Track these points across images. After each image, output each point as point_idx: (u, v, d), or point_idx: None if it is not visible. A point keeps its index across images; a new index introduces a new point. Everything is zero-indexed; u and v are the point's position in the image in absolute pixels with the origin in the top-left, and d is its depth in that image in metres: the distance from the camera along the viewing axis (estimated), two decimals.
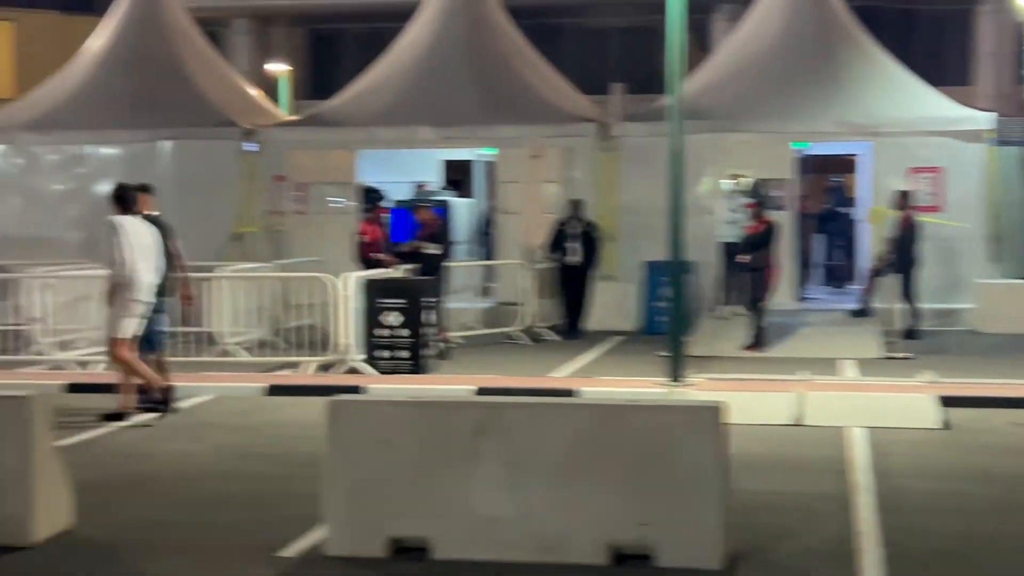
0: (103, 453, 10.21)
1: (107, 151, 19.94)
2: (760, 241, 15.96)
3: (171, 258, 11.93)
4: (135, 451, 10.31)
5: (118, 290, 11.22)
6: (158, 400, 11.78)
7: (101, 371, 14.25)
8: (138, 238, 11.27)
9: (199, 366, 14.33)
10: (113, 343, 11.47)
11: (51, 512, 7.45)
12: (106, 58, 21.19)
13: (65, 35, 38.38)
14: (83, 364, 14.70)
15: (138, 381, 11.65)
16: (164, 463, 9.81)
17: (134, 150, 19.75)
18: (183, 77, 20.74)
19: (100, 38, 21.67)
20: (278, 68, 30.90)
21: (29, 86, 24.54)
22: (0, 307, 16.12)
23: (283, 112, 23.92)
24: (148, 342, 11.81)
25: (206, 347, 15.25)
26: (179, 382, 13.38)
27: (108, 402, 12.01)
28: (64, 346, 15.11)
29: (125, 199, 11.41)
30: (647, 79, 25.39)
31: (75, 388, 13.32)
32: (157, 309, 11.75)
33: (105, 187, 19.57)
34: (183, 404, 12.55)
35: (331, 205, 19.39)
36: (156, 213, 12.09)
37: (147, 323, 11.62)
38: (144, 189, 12.11)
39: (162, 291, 11.74)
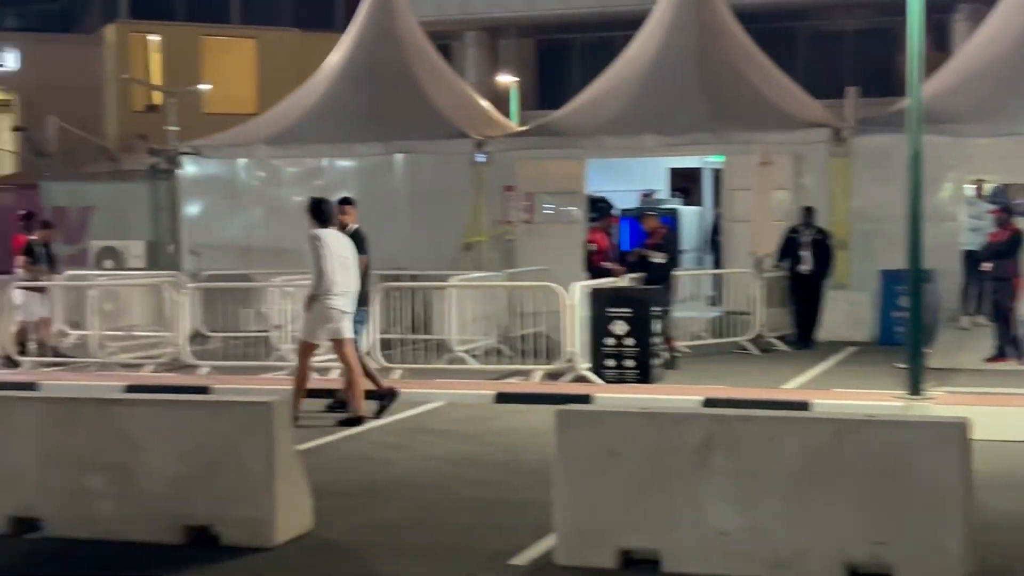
0: (341, 458, 10.52)
1: (343, 163, 20.58)
2: (1005, 249, 15.29)
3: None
4: (371, 456, 10.58)
5: (316, 299, 11.63)
6: (340, 402, 12.33)
7: (336, 377, 14.67)
8: (337, 251, 11.68)
9: (430, 373, 14.63)
10: (301, 346, 11.95)
11: (292, 515, 7.72)
12: (343, 73, 21.86)
13: (304, 52, 39.87)
14: (321, 371, 15.16)
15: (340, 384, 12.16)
16: (399, 468, 10.04)
17: (369, 162, 20.32)
18: (416, 90, 21.22)
19: (338, 54, 22.39)
20: (507, 79, 31.32)
21: (270, 102, 25.54)
22: (244, 314, 16.83)
23: (512, 123, 24.22)
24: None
25: (438, 354, 15.54)
26: (411, 388, 13.71)
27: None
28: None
29: (322, 212, 11.83)
30: (883, 82, 24.68)
31: (312, 393, 13.74)
32: (362, 318, 12.24)
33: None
34: (416, 410, 12.85)
35: (547, 213, 19.51)
36: (356, 225, 12.54)
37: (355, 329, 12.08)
38: (347, 202, 12.61)
39: (362, 300, 12.18)
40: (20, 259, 16.25)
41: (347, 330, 11.84)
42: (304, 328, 11.97)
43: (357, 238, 12.31)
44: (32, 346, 16.33)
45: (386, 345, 15.50)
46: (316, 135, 20.66)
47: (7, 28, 45.79)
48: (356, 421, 11.92)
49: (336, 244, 11.76)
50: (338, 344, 11.87)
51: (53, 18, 47.61)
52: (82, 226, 22.72)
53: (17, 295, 16.10)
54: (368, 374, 12.33)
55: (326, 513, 8.18)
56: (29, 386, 13.99)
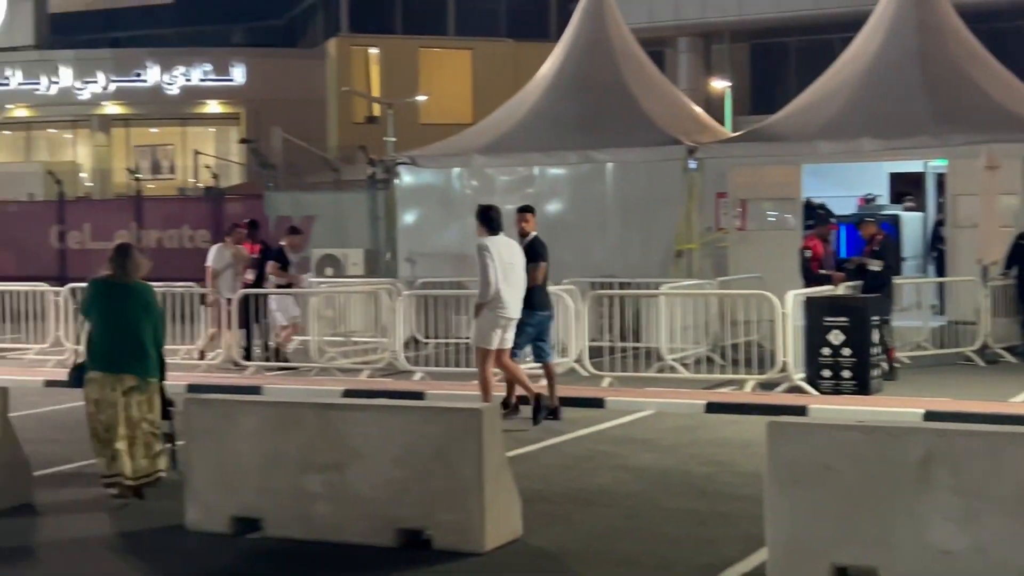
0: (549, 465, 10.55)
1: (555, 171, 20.68)
2: None
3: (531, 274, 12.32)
4: (578, 464, 10.58)
5: (485, 306, 11.81)
6: (510, 406, 12.56)
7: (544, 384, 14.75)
8: (504, 258, 11.81)
9: (640, 381, 14.56)
10: (480, 353, 12.07)
11: (502, 521, 7.77)
12: (555, 82, 21.98)
13: (518, 61, 40.34)
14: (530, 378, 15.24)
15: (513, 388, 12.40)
16: (606, 477, 10.01)
17: (580, 170, 20.37)
18: (628, 97, 21.17)
19: (550, 63, 22.54)
20: (720, 84, 31.01)
21: (485, 112, 25.88)
22: (457, 321, 17.08)
23: (725, 129, 23.92)
24: (537, 354, 12.61)
25: (648, 363, 15.45)
26: (620, 396, 13.67)
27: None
28: None
29: (491, 219, 11.97)
30: None
31: (521, 400, 13.85)
32: (538, 323, 12.42)
33: (553, 207, 20.41)
34: (624, 419, 12.80)
35: (769, 220, 19.17)
36: (535, 233, 12.65)
37: (527, 336, 12.38)
38: (527, 210, 12.80)
39: (542, 306, 12.41)
40: (271, 265, 16.86)
41: (509, 340, 12.03)
42: (476, 336, 12.12)
43: (535, 245, 12.46)
44: (257, 351, 16.95)
45: (595, 353, 15.48)
46: (528, 144, 20.82)
47: (235, 44, 47.76)
48: (552, 413, 12.34)
49: (504, 251, 11.90)
50: (500, 352, 12.03)
51: (278, 34, 49.44)
52: (304, 235, 23.45)
53: (273, 300, 16.69)
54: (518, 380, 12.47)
55: (534, 520, 8.21)
56: (253, 390, 14.51)
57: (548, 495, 9.24)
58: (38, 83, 43.09)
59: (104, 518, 8.85)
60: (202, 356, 16.98)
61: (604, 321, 16.54)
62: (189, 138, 45.10)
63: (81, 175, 45.13)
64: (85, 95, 43.26)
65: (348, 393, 13.99)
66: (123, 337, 9.27)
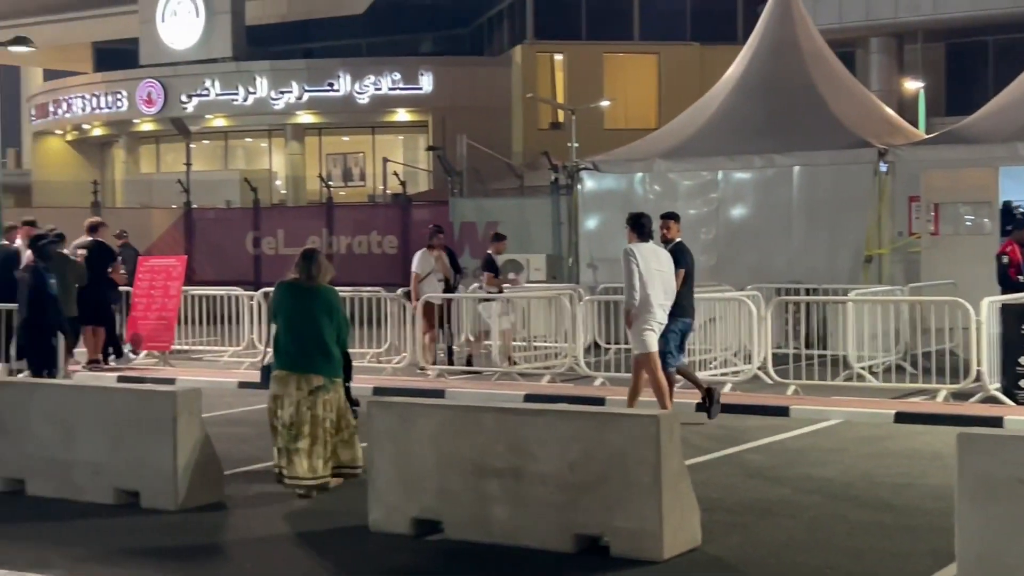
0: (730, 473, 10.40)
1: (739, 176, 20.41)
2: None
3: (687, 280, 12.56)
4: (761, 473, 10.41)
5: (633, 313, 11.94)
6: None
7: (727, 391, 14.57)
8: (650, 264, 11.92)
9: (826, 390, 14.25)
10: (645, 358, 12.13)
11: (680, 529, 7.69)
12: (741, 85, 21.70)
13: (705, 65, 39.98)
14: (714, 384, 15.05)
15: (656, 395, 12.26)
16: (789, 486, 9.81)
17: (766, 174, 20.05)
18: (816, 99, 20.75)
19: (736, 66, 22.26)
20: (913, 85, 30.15)
21: (670, 116, 25.71)
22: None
23: (918, 131, 23.24)
24: (671, 358, 12.57)
25: (834, 371, 15.11)
26: (805, 405, 13.40)
27: (732, 421, 12.29)
28: (697, 366, 15.57)
29: (641, 226, 12.10)
30: None
31: (702, 408, 13.71)
32: (683, 330, 12.55)
33: (737, 211, 20.14)
34: (810, 428, 12.55)
35: (967, 225, 18.53)
36: (679, 239, 12.73)
37: (674, 342, 12.47)
38: (670, 217, 12.84)
39: (684, 312, 12.45)
40: (486, 276, 17.10)
41: (654, 344, 12.08)
42: (635, 343, 12.19)
43: (678, 252, 12.53)
44: (441, 355, 17.18)
45: (779, 360, 15.22)
46: (712, 148, 20.60)
47: (423, 53, 48.58)
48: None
49: (651, 257, 12.01)
50: (644, 357, 12.11)
51: (464, 42, 50.11)
52: (488, 240, 23.68)
53: (485, 307, 16.87)
54: (665, 388, 12.36)
55: (714, 529, 8.11)
56: (437, 393, 14.71)
57: (728, 504, 9.11)
58: (236, 94, 44.60)
59: (290, 517, 9.09)
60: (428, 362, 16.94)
61: (789, 328, 16.22)
62: (378, 146, 46.05)
63: (276, 183, 46.54)
64: (280, 105, 44.56)
65: (528, 398, 14.07)
66: (308, 338, 9.57)
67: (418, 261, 17.32)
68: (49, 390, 10.32)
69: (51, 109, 50.45)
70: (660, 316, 12.07)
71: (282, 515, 9.16)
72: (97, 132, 50.45)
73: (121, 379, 16.25)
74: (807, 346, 15.88)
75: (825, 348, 16.10)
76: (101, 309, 17.83)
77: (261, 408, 13.82)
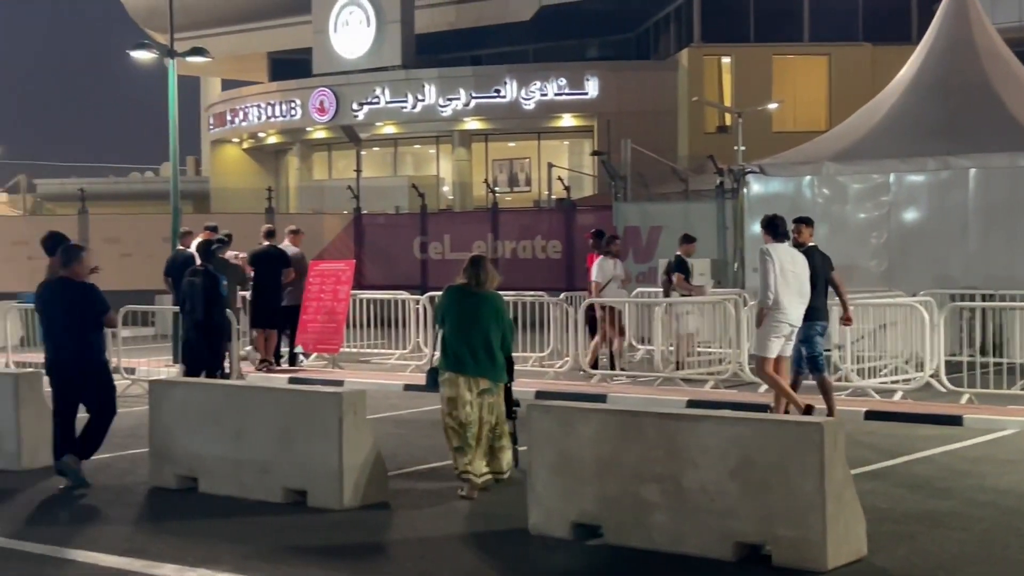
0: (898, 483, 10.13)
1: (912, 179, 19.87)
2: None
3: (827, 285, 12.58)
4: (930, 483, 10.11)
5: (765, 314, 12.02)
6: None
7: (899, 399, 14.20)
8: (785, 266, 12.00)
9: (1004, 399, 13.78)
10: (759, 362, 12.26)
11: (844, 539, 7.52)
12: (914, 86, 21.16)
13: (878, 66, 39.06)
14: (884, 392, 14.71)
15: (783, 401, 12.19)
16: (959, 497, 9.51)
17: (940, 177, 19.49)
18: (993, 100, 20.10)
19: (910, 66, 21.72)
20: None
21: (841, 118, 25.20)
22: None
23: None
24: (812, 364, 12.47)
25: (1012, 379, 14.60)
26: (980, 414, 13.00)
27: (902, 430, 11.97)
28: (866, 373, 15.26)
29: (776, 228, 12.20)
30: None
31: (871, 416, 13.42)
32: (817, 333, 12.41)
33: (910, 215, 19.62)
34: (984, 438, 12.15)
35: None
36: (812, 243, 12.68)
37: (806, 346, 12.34)
38: (803, 221, 12.79)
39: (818, 315, 12.35)
40: (677, 277, 17.06)
41: (774, 350, 12.08)
42: (755, 343, 12.32)
43: (810, 255, 12.48)
44: (603, 360, 17.15)
45: (953, 368, 14.77)
46: (884, 150, 20.12)
47: (589, 58, 48.61)
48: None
49: (786, 259, 12.07)
50: (761, 361, 12.18)
51: (630, 47, 49.96)
52: (652, 245, 23.59)
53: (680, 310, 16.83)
54: (790, 393, 12.23)
55: (880, 540, 7.91)
56: (599, 398, 14.69)
57: (895, 515, 8.87)
58: (405, 101, 45.31)
59: (452, 518, 9.19)
60: (612, 364, 16.90)
61: (964, 335, 15.73)
62: (544, 151, 46.23)
63: (443, 188, 47.12)
64: (447, 112, 45.10)
65: (691, 403, 13.95)
66: (475, 342, 9.87)
67: (598, 269, 17.22)
68: (221, 391, 10.63)
69: (228, 118, 52.01)
70: (792, 318, 12.10)
71: (444, 515, 9.27)
72: (272, 140, 51.81)
73: (292, 380, 16.66)
74: (982, 354, 15.37)
75: (1001, 356, 15.57)
76: (273, 312, 18.33)
77: (425, 410, 14.09)
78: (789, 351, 12.26)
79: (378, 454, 9.74)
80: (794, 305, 12.04)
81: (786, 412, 12.26)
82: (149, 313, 19.49)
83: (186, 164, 62.67)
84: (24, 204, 61.32)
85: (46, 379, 10.94)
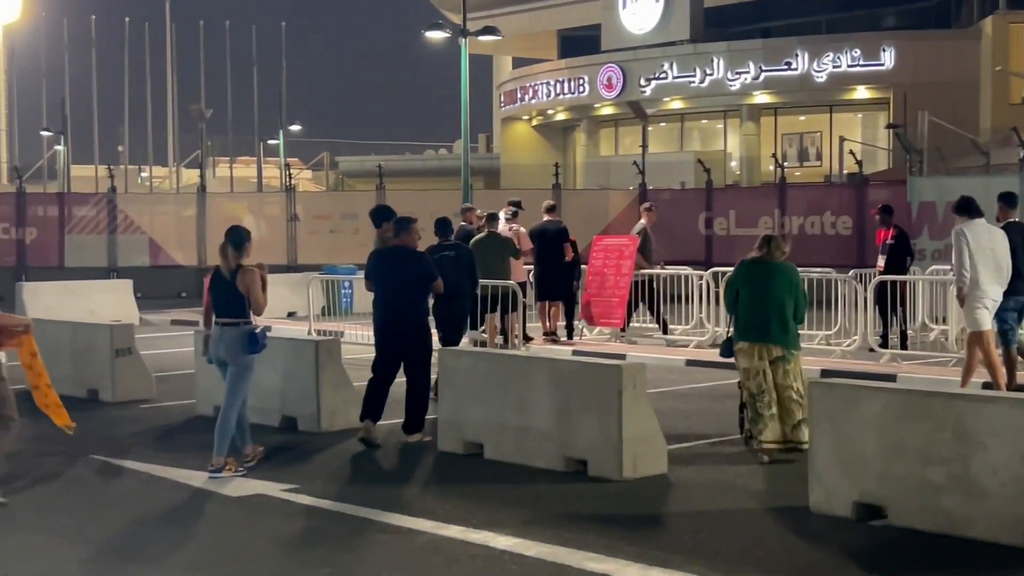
0: None
1: None
2: None
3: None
4: None
5: (965, 292, 12.34)
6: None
7: None
8: (981, 242, 12.26)
9: None
10: (973, 336, 12.45)
11: None
12: None
13: None
14: None
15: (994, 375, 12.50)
16: None
17: None
18: None
19: None
20: None
21: None
22: None
23: None
24: (1000, 338, 12.74)
25: None
26: None
27: None
28: None
29: (969, 206, 12.49)
30: None
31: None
32: (1010, 308, 12.56)
33: None
34: None
35: None
36: (1012, 219, 12.87)
37: (997, 320, 12.57)
38: (1006, 199, 13.03)
39: (1014, 290, 12.45)
40: None
41: (986, 322, 12.33)
42: (967, 321, 12.59)
43: (1010, 231, 12.60)
44: (893, 339, 16.66)
45: None
46: None
47: (885, 28, 47.00)
48: None
49: (983, 236, 12.30)
50: (976, 335, 12.35)
51: (929, 15, 48.00)
52: (948, 221, 22.65)
53: None
54: (1005, 365, 12.60)
55: None
56: (888, 378, 14.29)
57: None
58: (692, 76, 44.98)
59: (731, 493, 9.19)
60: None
61: None
62: (836, 124, 45.06)
63: (731, 164, 46.61)
64: (736, 86, 44.53)
65: (986, 385, 13.41)
66: (768, 311, 10.45)
67: None
68: (506, 361, 10.93)
69: (518, 96, 52.98)
70: (993, 293, 12.28)
71: (722, 490, 9.27)
72: (560, 117, 52.47)
73: (575, 353, 16.93)
74: None
75: None
76: (560, 285, 18.68)
77: (707, 385, 14.08)
78: (983, 326, 12.44)
79: (657, 427, 9.82)
80: (991, 282, 12.25)
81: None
82: None
83: (477, 141, 64.32)
84: (327, 180, 64.43)
85: (345, 347, 11.52)
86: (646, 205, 19.75)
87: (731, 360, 10.82)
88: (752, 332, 10.44)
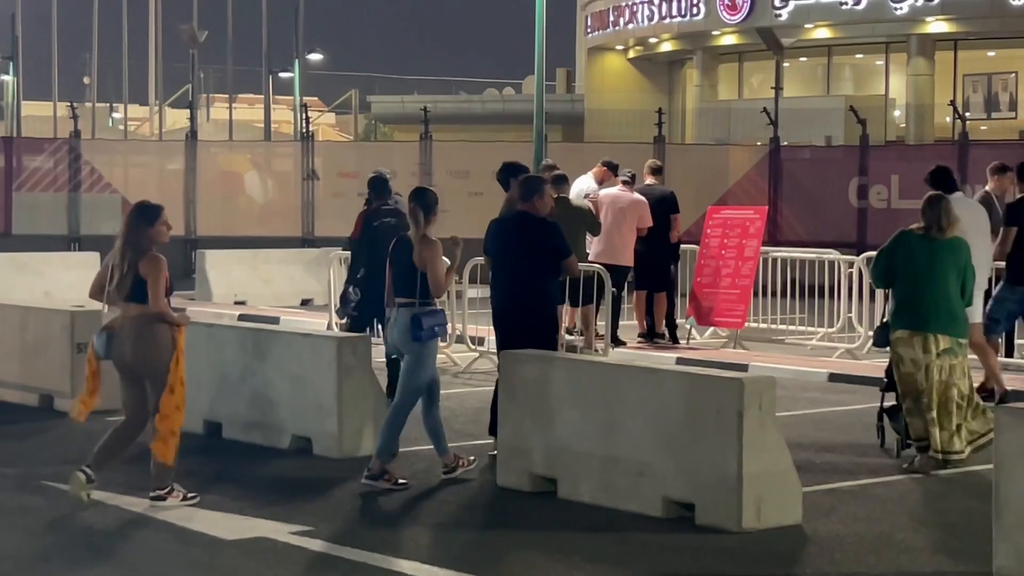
0: None
1: None
2: None
3: None
4: None
5: None
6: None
7: None
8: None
9: None
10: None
11: None
12: None
13: None
14: None
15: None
16: None
17: None
18: None
19: None
20: None
21: None
22: None
23: None
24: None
25: None
26: None
27: None
28: None
29: (945, 181, 13.73)
30: None
31: None
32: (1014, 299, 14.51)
33: None
34: None
35: None
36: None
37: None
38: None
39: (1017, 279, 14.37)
40: None
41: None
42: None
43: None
44: None
45: None
46: None
47: None
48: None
49: (961, 212, 12.67)
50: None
51: None
52: None
53: None
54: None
55: None
56: None
57: None
58: None
59: (884, 550, 9.14)
60: None
61: None
62: None
63: (895, 113, 46.23)
64: (903, 9, 44.14)
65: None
66: (934, 295, 11.27)
67: None
68: (588, 369, 10.92)
69: (611, 19, 52.78)
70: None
71: (875, 548, 9.21)
72: (666, 47, 52.25)
73: (680, 361, 16.90)
74: None
75: None
76: (659, 271, 18.63)
77: (855, 409, 13.99)
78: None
79: (790, 461, 9.77)
80: None
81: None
82: None
83: (555, 79, 64.22)
84: (355, 127, 64.80)
85: (377, 347, 11.59)
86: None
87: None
88: (915, 319, 11.27)
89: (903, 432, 11.66)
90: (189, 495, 10.26)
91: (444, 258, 10.99)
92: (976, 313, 13.61)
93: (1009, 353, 16.56)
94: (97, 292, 10.71)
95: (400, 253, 11.07)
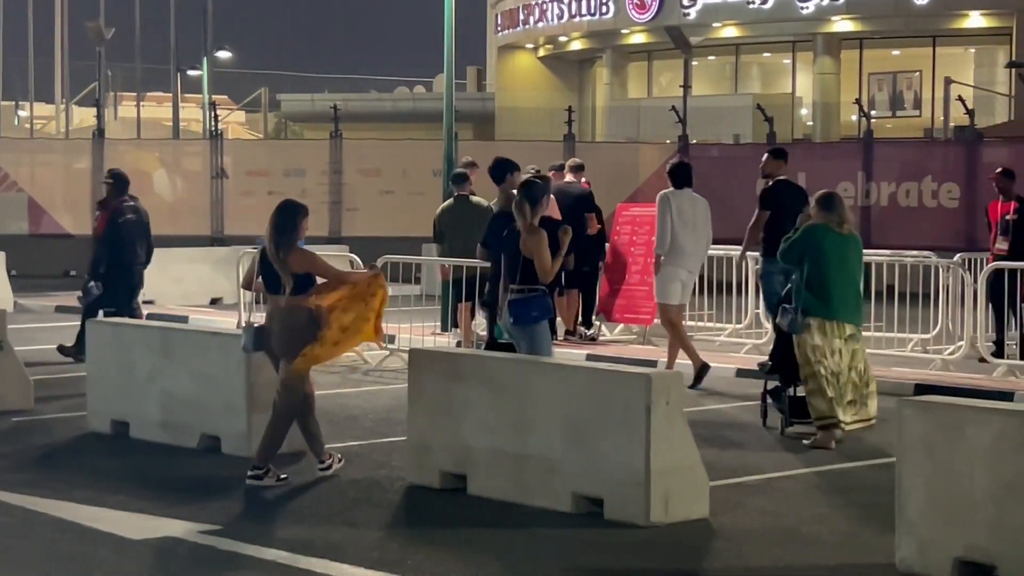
0: None
1: None
2: None
3: None
4: None
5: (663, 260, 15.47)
6: None
7: None
8: (683, 214, 15.51)
9: None
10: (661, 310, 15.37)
11: None
12: None
13: None
14: None
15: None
16: None
17: None
18: None
19: None
20: None
21: None
22: None
23: None
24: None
25: None
26: None
27: None
28: None
29: (681, 175, 15.32)
30: None
31: None
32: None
33: None
34: None
35: None
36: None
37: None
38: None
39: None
40: None
41: (675, 295, 15.68)
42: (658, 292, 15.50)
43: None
44: (1012, 345, 16.70)
45: None
46: None
47: None
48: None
49: (686, 206, 15.30)
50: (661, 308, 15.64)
51: None
52: None
53: None
54: None
55: None
56: (1002, 396, 14.32)
57: None
58: None
59: (790, 544, 9.23)
60: None
61: None
62: (940, 62, 45.02)
63: (801, 112, 46.61)
64: (809, 8, 44.48)
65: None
66: (847, 286, 12.21)
67: None
68: (499, 366, 10.91)
69: (521, 17, 52.85)
70: (689, 265, 15.74)
71: (781, 541, 9.30)
72: (576, 46, 52.40)
73: (590, 357, 16.96)
74: None
75: None
76: (573, 269, 18.62)
77: (759, 404, 14.08)
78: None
79: (697, 456, 9.83)
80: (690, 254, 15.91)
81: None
82: (413, 267, 20.09)
83: (466, 77, 64.19)
84: (264, 125, 64.47)
85: None
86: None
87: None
88: (830, 307, 12.08)
89: (787, 411, 12.63)
90: (281, 476, 10.81)
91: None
92: (667, 294, 15.74)
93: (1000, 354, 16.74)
94: (247, 284, 11.50)
95: (511, 244, 11.82)
